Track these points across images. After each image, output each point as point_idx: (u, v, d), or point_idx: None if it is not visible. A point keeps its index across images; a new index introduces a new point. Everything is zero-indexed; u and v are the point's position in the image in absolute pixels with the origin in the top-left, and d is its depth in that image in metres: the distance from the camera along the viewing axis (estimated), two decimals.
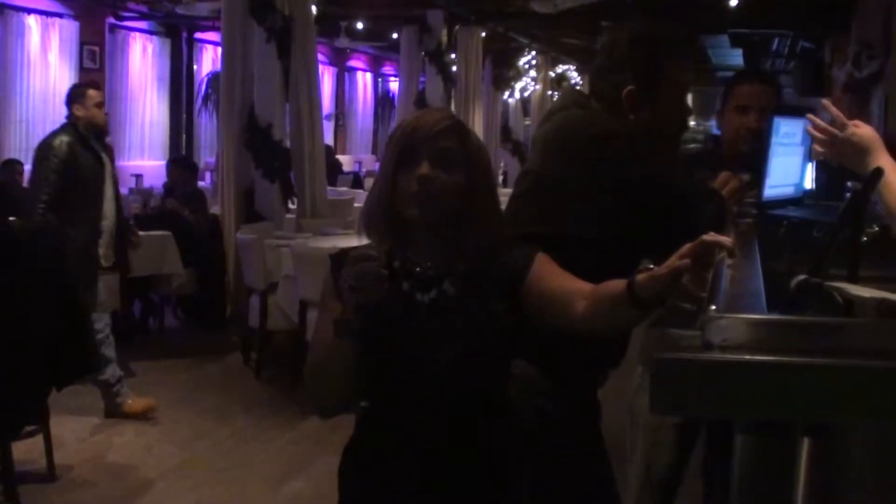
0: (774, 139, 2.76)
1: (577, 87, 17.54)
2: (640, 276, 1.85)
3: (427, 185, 2.07)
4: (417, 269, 2.15)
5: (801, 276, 2.11)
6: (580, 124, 2.70)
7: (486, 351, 2.14)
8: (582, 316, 2.04)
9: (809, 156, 3.05)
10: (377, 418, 2.21)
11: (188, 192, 9.16)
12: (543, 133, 2.78)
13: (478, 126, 14.67)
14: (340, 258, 2.16)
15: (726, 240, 1.77)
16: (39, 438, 5.08)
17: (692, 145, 5.41)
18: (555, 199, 2.65)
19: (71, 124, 6.04)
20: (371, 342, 2.07)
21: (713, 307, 1.46)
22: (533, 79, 19.43)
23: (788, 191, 2.98)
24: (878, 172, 2.15)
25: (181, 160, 9.67)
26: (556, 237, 2.47)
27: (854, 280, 2.26)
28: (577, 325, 2.07)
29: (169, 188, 9.35)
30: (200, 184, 12.48)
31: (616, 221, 2.57)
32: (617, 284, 1.93)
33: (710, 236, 1.75)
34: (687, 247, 1.76)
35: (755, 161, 2.83)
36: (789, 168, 2.95)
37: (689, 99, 2.96)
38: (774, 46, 16.81)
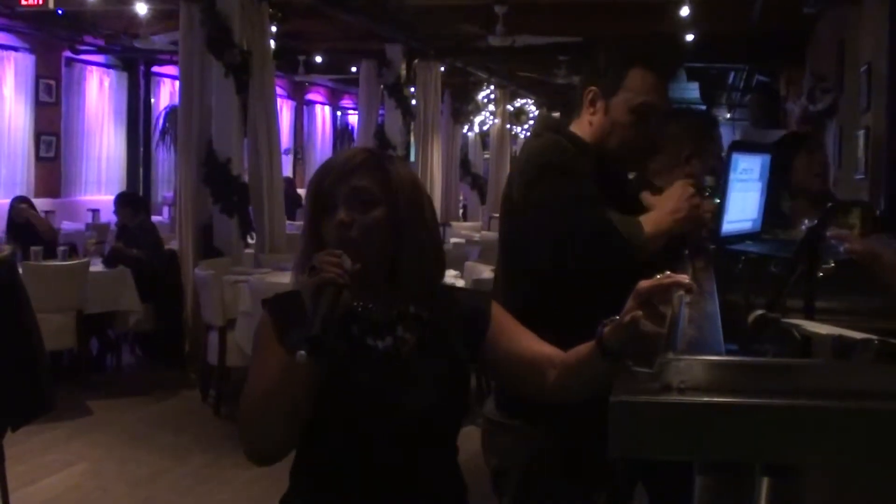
0: (733, 175, 2.77)
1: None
2: (606, 329, 1.84)
3: (346, 231, 1.98)
4: (361, 310, 2.03)
5: (759, 312, 2.13)
6: (537, 151, 2.75)
7: (455, 400, 2.08)
8: (553, 384, 2.02)
9: (767, 191, 3.08)
10: (316, 469, 2.06)
11: (135, 227, 8.91)
12: (518, 160, 2.85)
13: (437, 160, 14.73)
14: (278, 301, 2.10)
15: (684, 279, 1.76)
16: None
17: None
18: (517, 226, 2.71)
19: None
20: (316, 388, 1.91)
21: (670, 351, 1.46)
22: (492, 112, 19.53)
23: (746, 226, 3.00)
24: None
25: (122, 197, 9.49)
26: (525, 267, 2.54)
27: (810, 315, 2.28)
28: (549, 393, 2.05)
29: (121, 226, 9.22)
30: (157, 218, 12.37)
31: (551, 253, 2.57)
32: (584, 346, 1.92)
33: (667, 277, 1.74)
34: (644, 287, 1.75)
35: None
36: (747, 203, 2.98)
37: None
38: (731, 80, 17.10)
